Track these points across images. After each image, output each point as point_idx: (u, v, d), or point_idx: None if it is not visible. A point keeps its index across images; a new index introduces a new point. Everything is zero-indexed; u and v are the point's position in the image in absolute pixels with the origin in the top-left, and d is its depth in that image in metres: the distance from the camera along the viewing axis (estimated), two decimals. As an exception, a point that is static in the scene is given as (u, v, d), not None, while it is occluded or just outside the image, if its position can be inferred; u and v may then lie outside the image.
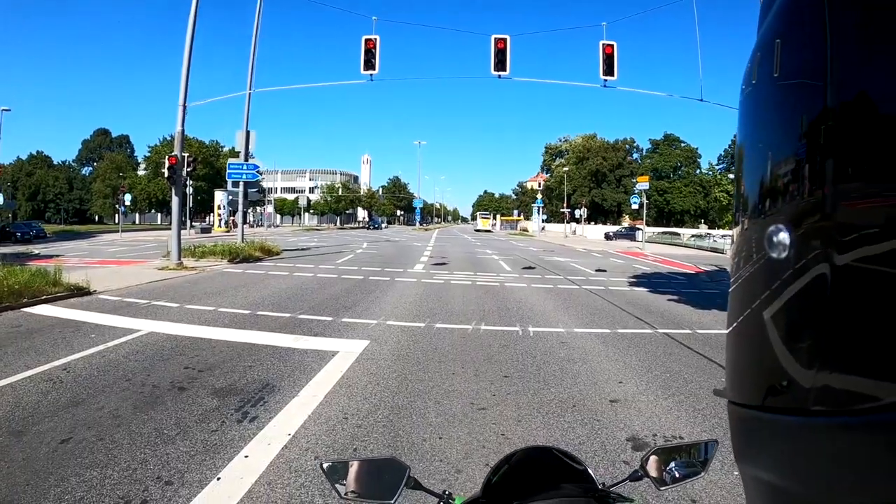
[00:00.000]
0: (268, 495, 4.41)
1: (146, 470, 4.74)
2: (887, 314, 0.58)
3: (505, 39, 22.77)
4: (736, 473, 4.94)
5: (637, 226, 71.99)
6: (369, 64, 23.02)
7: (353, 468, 1.60)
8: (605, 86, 23.39)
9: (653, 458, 1.65)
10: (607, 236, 75.87)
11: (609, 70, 22.88)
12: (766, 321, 0.74)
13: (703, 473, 1.67)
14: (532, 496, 1.54)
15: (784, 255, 0.69)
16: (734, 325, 0.83)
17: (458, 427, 5.95)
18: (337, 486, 1.56)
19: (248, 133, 28.19)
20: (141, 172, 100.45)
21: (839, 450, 0.64)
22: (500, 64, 22.78)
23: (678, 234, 69.53)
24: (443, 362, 8.63)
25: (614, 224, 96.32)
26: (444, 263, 27.27)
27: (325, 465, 1.59)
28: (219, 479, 4.65)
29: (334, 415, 6.24)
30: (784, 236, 0.70)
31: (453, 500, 1.66)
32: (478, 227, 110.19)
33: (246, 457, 5.08)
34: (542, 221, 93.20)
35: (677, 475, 1.64)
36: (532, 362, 8.76)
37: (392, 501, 1.52)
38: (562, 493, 1.56)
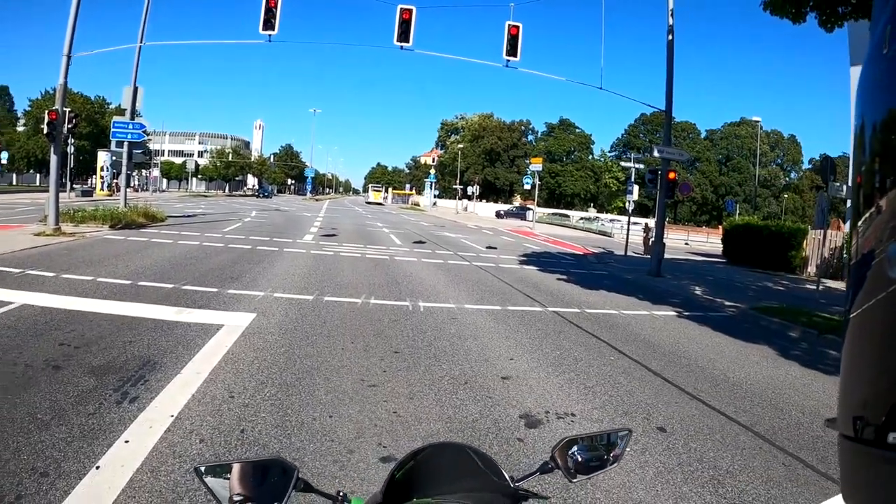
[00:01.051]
0: (151, 484, 4.15)
1: (19, 461, 4.33)
2: None
3: (411, 10, 22.53)
4: (627, 450, 5.06)
5: (528, 206, 73.33)
6: (269, 24, 22.25)
7: (235, 471, 1.42)
8: (507, 66, 23.48)
9: (564, 449, 1.60)
10: (498, 214, 77.16)
11: (513, 51, 23.00)
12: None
13: (616, 464, 1.65)
14: (435, 492, 1.48)
15: None
16: (846, 343, 0.74)
17: (348, 405, 5.86)
18: (216, 491, 1.38)
19: (135, 89, 26.50)
20: (20, 128, 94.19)
21: None
22: (404, 35, 22.56)
23: (568, 217, 71.80)
24: (332, 337, 8.50)
25: (506, 203, 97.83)
26: (333, 235, 27.00)
27: (201, 469, 1.40)
28: (98, 467, 4.32)
29: (220, 393, 5.99)
30: None
31: (349, 501, 1.51)
32: (369, 200, 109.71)
33: (126, 442, 4.75)
34: (435, 197, 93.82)
35: (590, 466, 1.61)
36: (423, 338, 8.76)
37: None
38: (465, 488, 1.50)
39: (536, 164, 55.58)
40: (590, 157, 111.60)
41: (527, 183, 63.00)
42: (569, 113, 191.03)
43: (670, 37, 20.85)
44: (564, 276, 17.55)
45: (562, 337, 9.43)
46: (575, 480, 1.62)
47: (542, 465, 1.60)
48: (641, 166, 32.89)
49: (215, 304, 10.23)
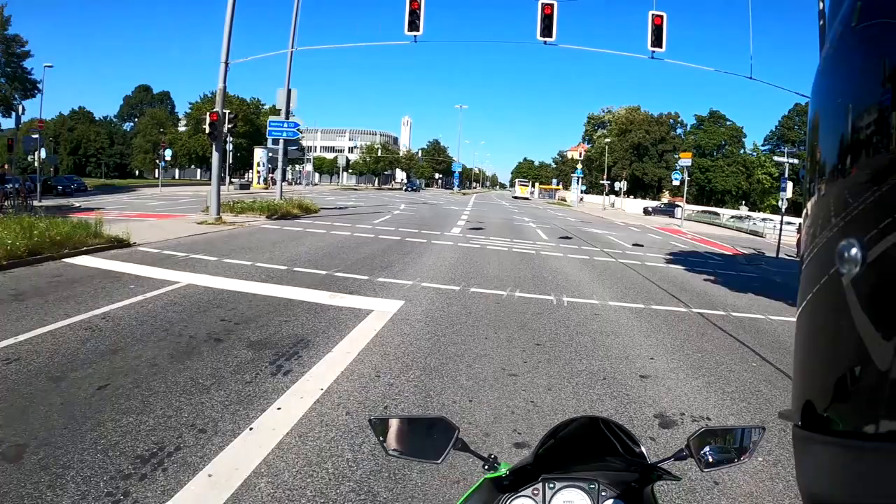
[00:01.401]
0: (298, 447, 4.51)
1: (181, 417, 4.86)
2: None
3: (552, 5, 22.38)
4: (761, 459, 4.96)
5: (676, 202, 71.01)
6: (413, 25, 22.81)
7: (401, 425, 1.61)
8: (652, 57, 22.88)
9: (699, 439, 1.61)
10: (646, 211, 75.06)
11: (657, 41, 22.34)
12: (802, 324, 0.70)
13: (747, 458, 1.65)
14: (576, 467, 1.55)
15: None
16: (801, 319, 0.76)
17: (488, 391, 6.00)
18: (383, 441, 1.56)
19: (289, 91, 28.30)
20: (181, 129, 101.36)
21: None
22: (547, 30, 22.44)
23: (717, 214, 68.54)
24: (476, 326, 8.66)
25: (654, 199, 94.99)
26: (480, 228, 27.22)
27: (372, 419, 1.59)
28: (251, 429, 4.76)
29: (367, 372, 6.32)
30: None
31: (499, 464, 1.62)
32: (516, 194, 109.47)
33: (279, 409, 5.18)
34: (581, 192, 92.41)
35: (722, 458, 1.62)
36: (565, 332, 8.76)
37: (439, 461, 1.53)
38: (605, 465, 1.56)
39: (686, 159, 53.82)
40: (741, 151, 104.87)
41: (676, 178, 61.00)
42: (718, 104, 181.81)
43: (822, 21, 19.66)
44: (711, 277, 16.94)
45: (704, 339, 9.16)
46: (706, 471, 1.63)
47: (678, 452, 1.62)
48: (796, 161, 31.08)
49: (366, 290, 10.65)
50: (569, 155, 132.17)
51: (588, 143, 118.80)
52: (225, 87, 23.15)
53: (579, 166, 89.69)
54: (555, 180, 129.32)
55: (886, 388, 0.56)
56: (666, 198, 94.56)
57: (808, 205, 0.76)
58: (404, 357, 6.93)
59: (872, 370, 0.57)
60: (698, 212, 71.46)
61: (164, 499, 3.72)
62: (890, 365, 0.55)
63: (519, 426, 5.17)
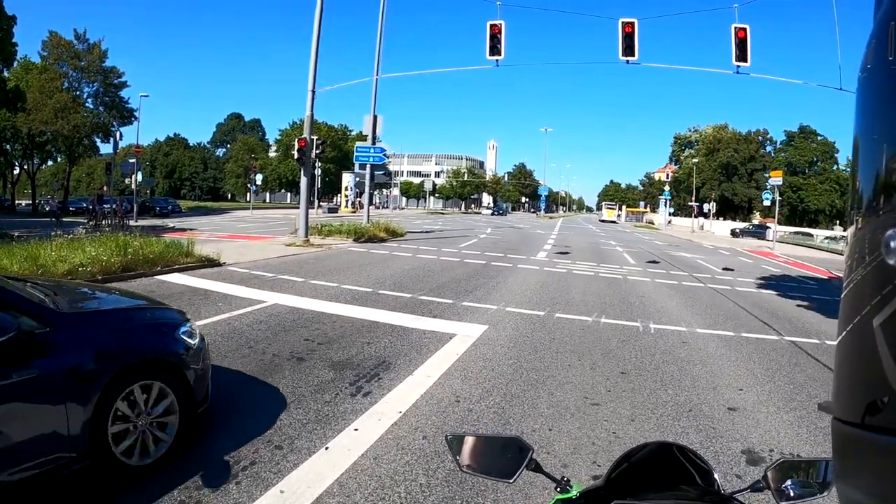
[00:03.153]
0: (372, 469, 4.53)
1: (258, 432, 5.02)
2: None
3: (633, 23, 22.11)
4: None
5: (767, 224, 68.83)
6: (495, 49, 22.91)
7: (476, 443, 1.65)
8: (737, 72, 22.27)
9: (777, 471, 1.58)
10: (733, 233, 72.96)
11: (742, 55, 21.68)
12: (874, 330, 0.69)
13: (827, 493, 1.55)
14: (647, 494, 1.52)
15: None
16: (843, 333, 0.78)
17: (569, 421, 5.89)
18: (458, 458, 1.62)
19: (375, 117, 28.97)
20: (272, 154, 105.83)
21: None
22: (628, 49, 22.17)
23: (811, 235, 65.94)
24: (560, 353, 8.55)
25: (744, 220, 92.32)
26: (567, 253, 26.99)
27: (448, 436, 1.66)
28: (327, 448, 4.83)
29: (446, 396, 6.32)
30: None
31: (571, 486, 1.63)
32: (603, 218, 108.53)
33: (356, 430, 5.24)
34: (669, 214, 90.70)
35: (800, 492, 1.56)
36: (651, 360, 8.55)
37: (511, 481, 1.55)
38: (678, 495, 1.52)
39: (776, 178, 51.98)
40: (834, 167, 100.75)
41: (766, 199, 59.06)
42: (808, 119, 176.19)
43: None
44: (805, 303, 16.27)
45: (797, 370, 8.77)
46: (783, 503, 1.56)
47: (754, 483, 1.59)
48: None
49: (449, 314, 10.69)
50: (656, 176, 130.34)
51: (675, 164, 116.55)
52: (312, 115, 23.92)
53: (666, 188, 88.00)
54: (642, 203, 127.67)
55: None
56: (756, 219, 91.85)
57: (849, 233, 0.80)
58: (485, 382, 6.90)
59: None
60: (790, 233, 68.87)
61: (235, 512, 3.81)
62: None
63: (599, 458, 5.04)
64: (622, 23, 22.17)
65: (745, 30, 21.71)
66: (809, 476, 1.62)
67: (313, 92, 23.37)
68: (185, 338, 4.83)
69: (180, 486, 4.00)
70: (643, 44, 22.51)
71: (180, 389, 4.58)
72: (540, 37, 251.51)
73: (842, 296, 0.78)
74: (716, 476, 1.60)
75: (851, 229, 0.77)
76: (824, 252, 51.79)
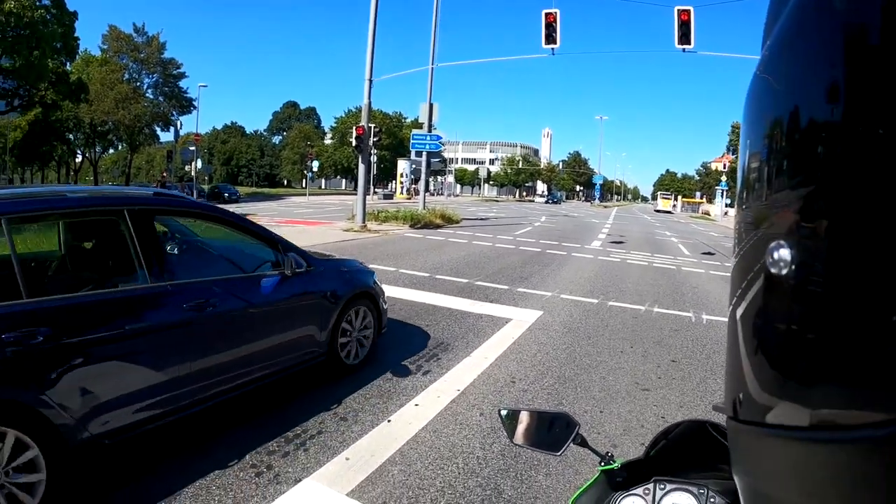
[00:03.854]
0: (432, 441, 4.82)
1: (324, 406, 5.38)
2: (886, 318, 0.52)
3: (689, 11, 21.73)
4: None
5: None
6: (550, 38, 22.80)
7: (527, 417, 1.72)
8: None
9: None
10: None
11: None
12: (736, 321, 0.73)
13: None
14: (686, 471, 1.54)
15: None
16: (732, 327, 0.77)
17: (619, 404, 6.05)
18: (508, 431, 1.70)
19: (430, 105, 29.05)
20: (327, 141, 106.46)
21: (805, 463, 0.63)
22: (684, 37, 21.81)
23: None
24: (612, 340, 8.67)
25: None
26: (621, 242, 26.75)
27: (502, 412, 1.73)
28: (389, 421, 5.14)
29: (502, 377, 6.56)
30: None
31: (614, 460, 1.62)
32: (658, 208, 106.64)
33: (416, 405, 5.53)
34: (726, 206, 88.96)
35: None
36: (702, 350, 8.59)
37: (558, 453, 1.63)
38: (718, 475, 1.51)
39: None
40: None
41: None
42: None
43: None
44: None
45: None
46: None
47: None
48: None
49: (505, 299, 10.86)
50: (712, 166, 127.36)
51: (732, 154, 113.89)
52: (370, 103, 23.99)
53: (723, 178, 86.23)
54: (698, 193, 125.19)
55: (817, 381, 0.60)
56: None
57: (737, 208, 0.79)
58: (539, 365, 7.09)
59: (803, 364, 0.61)
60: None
61: (303, 475, 4.16)
62: (819, 359, 0.58)
63: (647, 440, 5.12)
64: (678, 10, 21.83)
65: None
66: None
67: (370, 81, 23.49)
68: (377, 280, 7.05)
69: (379, 377, 5.52)
70: (699, 31, 22.09)
71: (374, 313, 6.72)
72: (595, 25, 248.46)
73: (735, 262, 0.78)
74: None
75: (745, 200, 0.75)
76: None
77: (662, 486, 1.43)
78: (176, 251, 5.33)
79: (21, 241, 4.19)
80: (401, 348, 7.29)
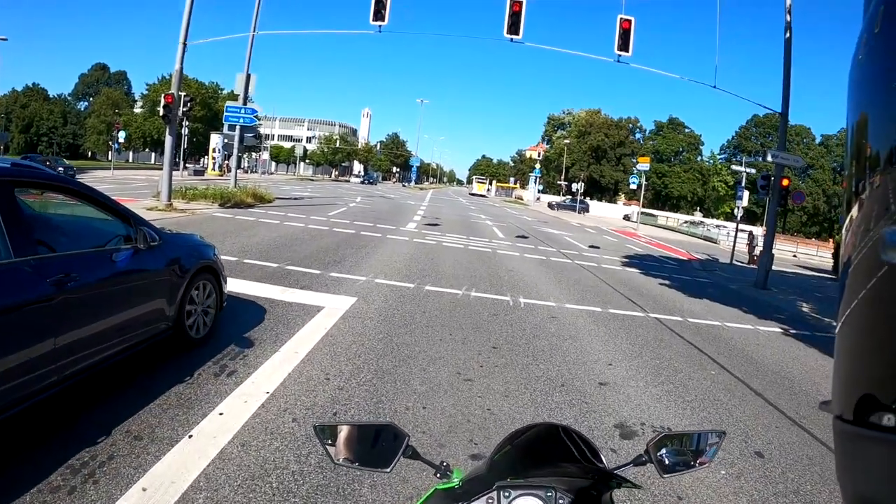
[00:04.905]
0: (241, 458, 4.19)
1: (116, 423, 4.49)
2: None
3: (521, 2, 22.09)
4: (724, 472, 4.84)
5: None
6: (379, 14, 22.39)
7: (348, 432, 1.55)
8: (618, 61, 22.60)
9: (659, 444, 1.62)
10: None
11: (624, 45, 22.07)
12: (862, 320, 0.69)
13: (707, 462, 1.65)
14: (531, 472, 1.48)
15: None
16: (843, 326, 0.75)
17: (442, 398, 5.78)
18: (329, 449, 1.52)
19: (248, 76, 27.53)
20: (137, 110, 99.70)
21: None
22: (514, 27, 22.10)
23: (654, 217, 70.30)
24: (430, 327, 8.46)
25: (610, 202, 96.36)
26: (437, 224, 27.08)
27: (317, 426, 1.55)
28: (191, 436, 4.41)
29: (315, 375, 6.03)
30: None
31: (451, 472, 1.59)
32: (473, 191, 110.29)
33: (221, 414, 4.84)
34: (539, 192, 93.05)
35: (679, 461, 1.63)
36: (522, 335, 8.60)
37: (388, 470, 1.51)
38: (559, 471, 1.49)
39: (644, 164, 54.59)
40: (698, 158, 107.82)
41: (633, 182, 61.64)
42: (679, 112, 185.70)
43: (788, 34, 19.57)
44: (667, 282, 16.99)
45: (662, 346, 9.07)
46: (666, 476, 1.63)
47: (637, 457, 1.62)
48: (752, 171, 31.57)
49: (317, 285, 10.34)
50: (527, 154, 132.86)
51: (547, 144, 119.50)
52: (182, 69, 22.25)
53: (537, 166, 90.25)
54: (512, 179, 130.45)
55: None
56: (622, 201, 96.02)
57: (855, 207, 0.76)
58: (355, 358, 6.66)
59: None
60: (642, 214, 72.36)
61: (92, 517, 3.41)
62: None
63: (475, 436, 4.94)
64: (511, 1, 22.05)
65: (630, 21, 21.98)
66: (694, 446, 1.66)
67: (184, 44, 21.73)
68: (219, 255, 7.22)
69: (181, 383, 5.24)
70: (529, 24, 22.48)
71: (217, 289, 6.89)
72: (426, 7, 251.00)
73: (852, 263, 0.74)
74: (601, 456, 1.60)
75: (864, 195, 0.73)
76: (683, 235, 55.03)
77: (507, 493, 1.37)
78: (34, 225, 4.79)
79: None
80: (203, 345, 6.53)
